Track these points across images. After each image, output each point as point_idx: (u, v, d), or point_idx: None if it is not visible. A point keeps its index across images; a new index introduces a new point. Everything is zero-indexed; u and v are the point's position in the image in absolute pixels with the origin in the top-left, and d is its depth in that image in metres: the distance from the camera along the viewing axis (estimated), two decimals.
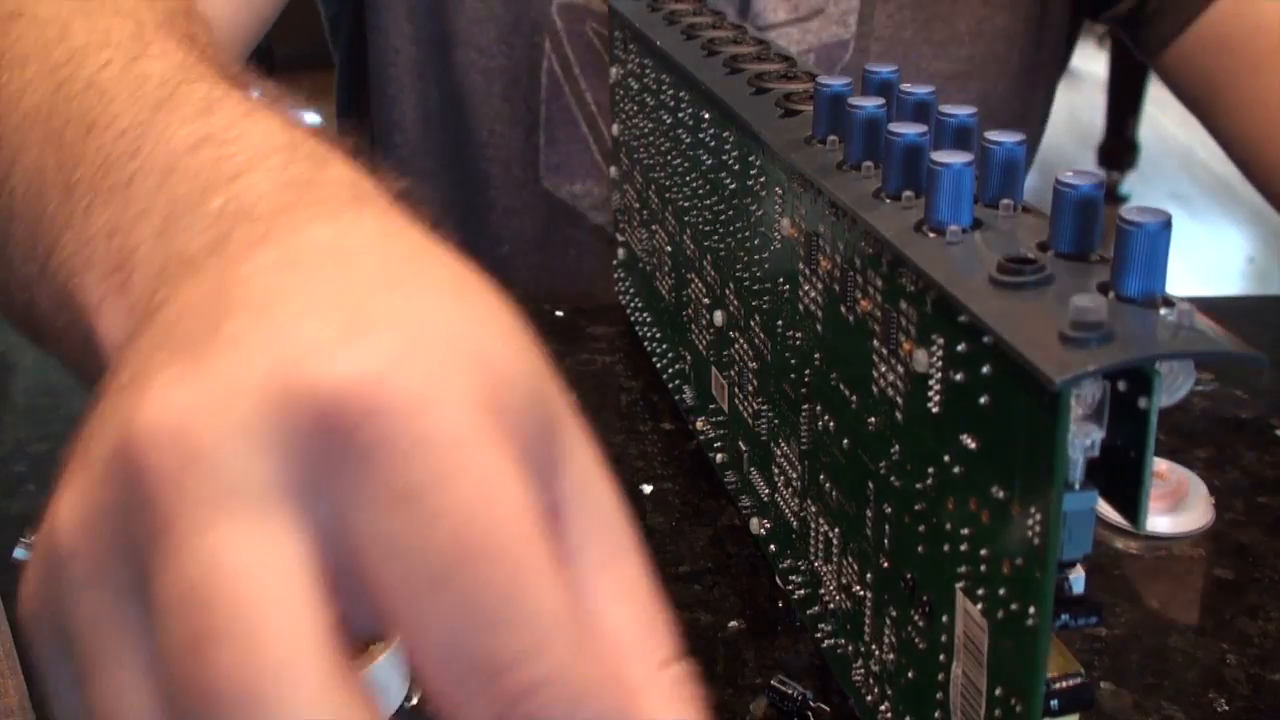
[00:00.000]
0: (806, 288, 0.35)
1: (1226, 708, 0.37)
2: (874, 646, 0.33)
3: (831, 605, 0.36)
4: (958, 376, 0.27)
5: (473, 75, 0.67)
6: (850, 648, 0.35)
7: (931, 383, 0.28)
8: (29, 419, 0.54)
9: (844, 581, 0.35)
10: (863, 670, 0.34)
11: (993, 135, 0.29)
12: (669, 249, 0.51)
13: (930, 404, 0.28)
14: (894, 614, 0.32)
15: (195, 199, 0.25)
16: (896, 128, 0.30)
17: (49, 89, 0.31)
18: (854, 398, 0.33)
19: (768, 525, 0.42)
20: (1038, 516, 0.24)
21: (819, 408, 0.36)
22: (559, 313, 0.63)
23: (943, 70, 0.66)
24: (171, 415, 0.19)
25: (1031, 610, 0.25)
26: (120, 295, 0.26)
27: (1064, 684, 0.26)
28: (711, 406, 0.47)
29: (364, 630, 0.20)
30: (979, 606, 0.27)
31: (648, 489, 0.49)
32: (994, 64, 0.68)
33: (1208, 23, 0.63)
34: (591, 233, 0.69)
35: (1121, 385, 0.24)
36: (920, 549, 0.30)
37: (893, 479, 0.31)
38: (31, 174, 0.30)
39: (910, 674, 0.31)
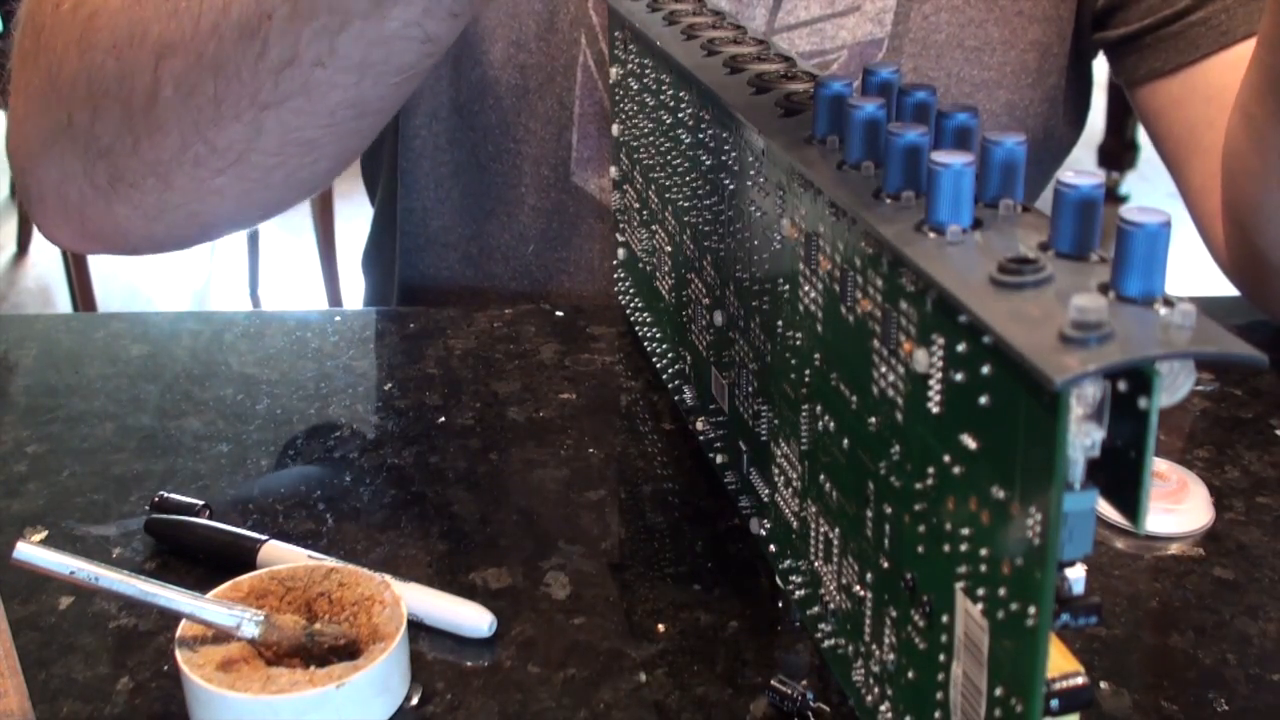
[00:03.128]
0: (806, 288, 0.35)
1: (1226, 708, 0.37)
2: (874, 646, 0.33)
3: (831, 605, 0.36)
4: (958, 376, 0.27)
5: (510, 70, 0.67)
6: (850, 648, 0.35)
7: (931, 383, 0.28)
8: (29, 419, 0.54)
9: (844, 581, 0.35)
10: (863, 670, 0.34)
11: (993, 135, 0.29)
12: (669, 249, 0.51)
13: (930, 404, 0.28)
14: (894, 614, 0.32)
15: None
16: (896, 128, 0.30)
17: None
18: (854, 398, 0.33)
19: (768, 525, 0.42)
20: (1038, 516, 0.24)
21: (819, 408, 0.36)
22: (559, 313, 0.63)
23: (973, 77, 0.66)
24: None
25: (1031, 610, 0.25)
26: None
27: (1064, 684, 0.26)
28: (711, 406, 0.47)
29: None
30: (979, 606, 0.27)
31: (648, 489, 0.49)
32: (1025, 75, 0.67)
33: (1204, 69, 0.62)
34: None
35: (1121, 385, 0.24)
36: (920, 549, 0.30)
37: (893, 479, 0.31)
38: None
39: (910, 674, 0.31)
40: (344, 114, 0.48)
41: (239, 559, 0.43)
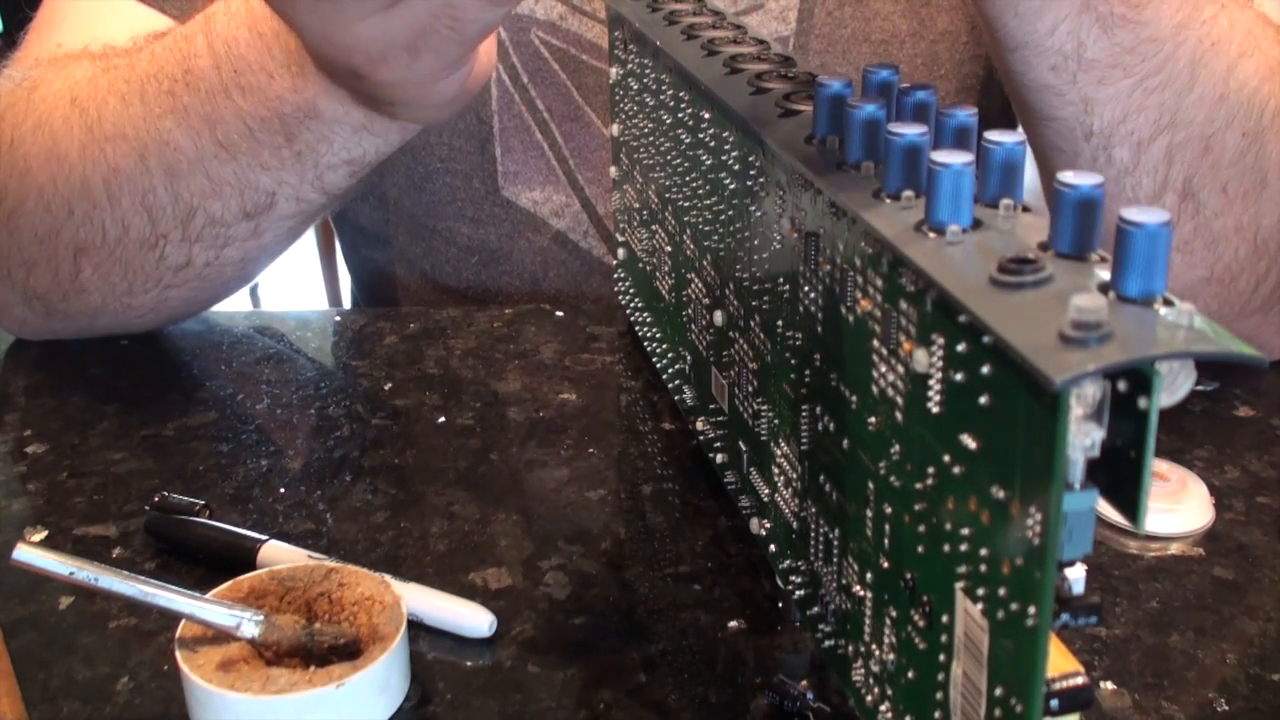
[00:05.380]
0: (806, 288, 0.35)
1: (1226, 708, 0.37)
2: (874, 646, 0.33)
3: (831, 605, 0.36)
4: (958, 376, 0.27)
5: None
6: (850, 648, 0.35)
7: (931, 383, 0.28)
8: (29, 419, 0.54)
9: (844, 581, 0.35)
10: (863, 670, 0.34)
11: (993, 135, 0.29)
12: (669, 249, 0.51)
13: (930, 404, 0.28)
14: (894, 614, 0.32)
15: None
16: (896, 128, 0.30)
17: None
18: (854, 398, 0.33)
19: (768, 525, 0.42)
20: (1038, 516, 0.24)
21: (819, 408, 0.36)
22: (559, 313, 0.63)
23: None
24: None
25: (1031, 610, 0.25)
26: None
27: (1064, 684, 0.26)
28: (711, 406, 0.47)
29: None
30: (979, 606, 0.27)
31: (648, 489, 0.49)
32: (936, 66, 0.67)
33: None
34: (553, 239, 0.70)
35: (1121, 385, 0.24)
36: (920, 549, 0.30)
37: (893, 479, 0.31)
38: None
39: (910, 674, 0.31)
40: (250, 265, 0.56)
41: (239, 559, 0.43)
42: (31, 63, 0.59)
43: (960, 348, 0.27)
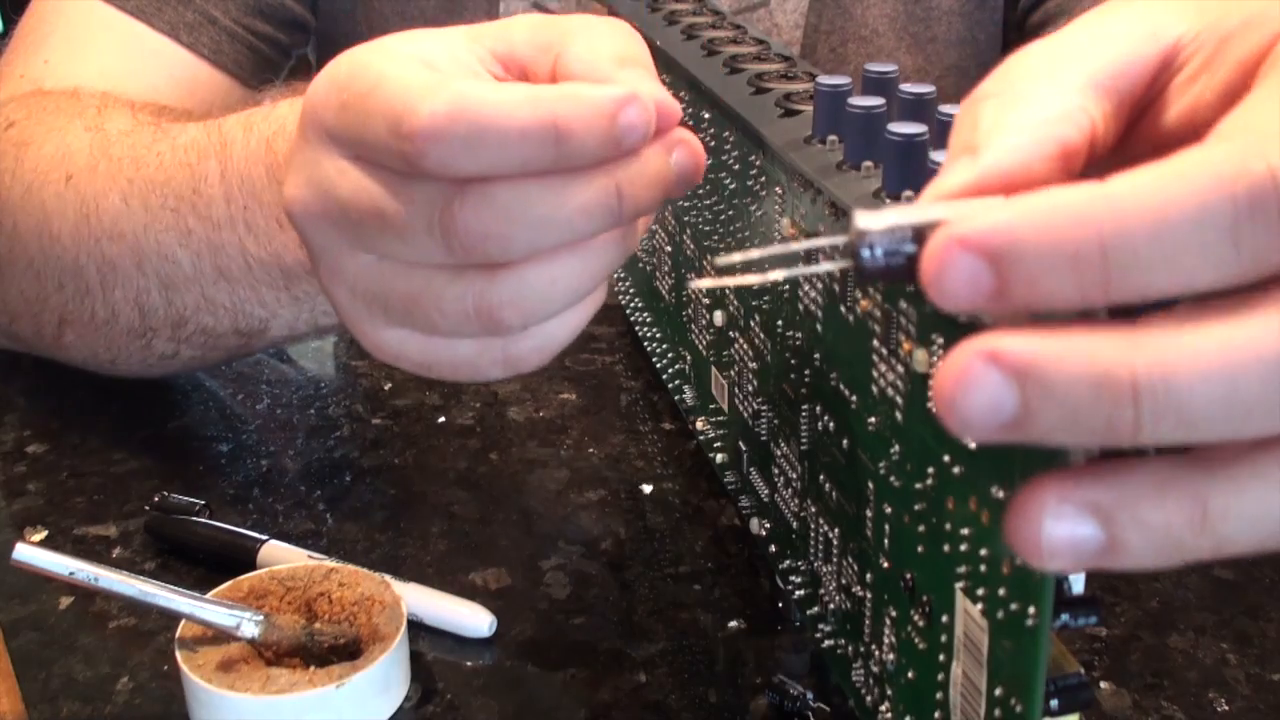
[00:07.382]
0: (806, 288, 0.35)
1: (1226, 708, 0.37)
2: (874, 646, 0.33)
3: (831, 605, 0.36)
4: None
5: None
6: (850, 648, 0.35)
7: (931, 382, 0.28)
8: (29, 419, 0.54)
9: (844, 581, 0.35)
10: (863, 670, 0.34)
11: None
12: (669, 249, 0.51)
13: (930, 404, 0.28)
14: (894, 614, 0.32)
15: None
16: (896, 127, 0.30)
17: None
18: (854, 398, 0.33)
19: (768, 525, 0.42)
20: None
21: (819, 408, 0.36)
22: None
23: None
24: None
25: (1031, 610, 0.25)
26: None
27: (1064, 684, 0.26)
28: (711, 406, 0.47)
29: None
30: (979, 606, 0.27)
31: (648, 489, 0.49)
32: (954, 75, 0.67)
33: None
34: None
35: None
36: (920, 549, 0.30)
37: (893, 479, 0.31)
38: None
39: (910, 674, 0.31)
40: (235, 360, 0.55)
41: (239, 559, 0.43)
42: (17, 82, 0.58)
43: None
